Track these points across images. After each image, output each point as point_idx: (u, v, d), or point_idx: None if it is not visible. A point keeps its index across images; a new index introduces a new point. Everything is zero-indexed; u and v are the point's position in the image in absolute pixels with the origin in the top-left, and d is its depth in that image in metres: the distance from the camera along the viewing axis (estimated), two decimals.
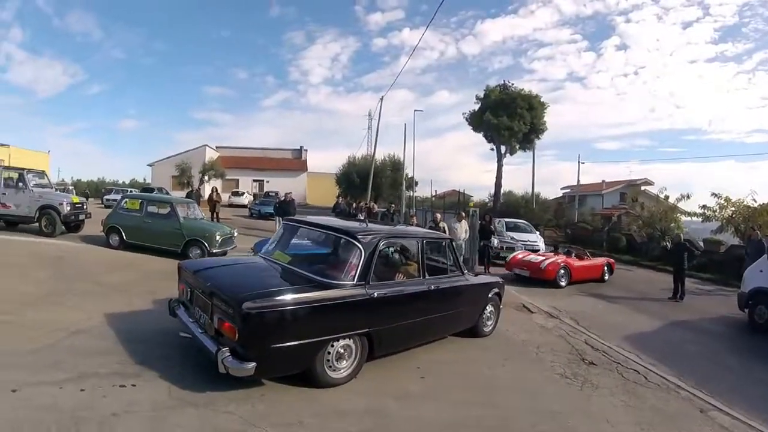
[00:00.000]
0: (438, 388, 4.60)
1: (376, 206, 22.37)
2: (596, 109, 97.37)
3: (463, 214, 13.67)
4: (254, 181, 47.18)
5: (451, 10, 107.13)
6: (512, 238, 16.23)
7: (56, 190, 14.95)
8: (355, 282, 4.46)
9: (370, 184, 28.54)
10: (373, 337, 4.52)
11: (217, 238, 10.62)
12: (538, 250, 14.79)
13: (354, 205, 22.73)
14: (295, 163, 52.61)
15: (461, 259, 6.95)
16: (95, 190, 35.84)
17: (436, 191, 38.03)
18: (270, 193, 35.20)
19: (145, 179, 46.70)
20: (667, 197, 22.07)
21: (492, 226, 14.19)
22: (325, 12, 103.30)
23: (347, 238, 4.86)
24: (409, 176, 34.31)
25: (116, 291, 7.11)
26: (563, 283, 11.82)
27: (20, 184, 12.11)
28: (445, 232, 11.00)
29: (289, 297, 3.98)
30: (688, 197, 20.82)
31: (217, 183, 34.12)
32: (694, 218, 20.00)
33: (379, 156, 36.21)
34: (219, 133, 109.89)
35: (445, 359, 5.42)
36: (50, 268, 8.15)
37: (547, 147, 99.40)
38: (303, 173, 50.46)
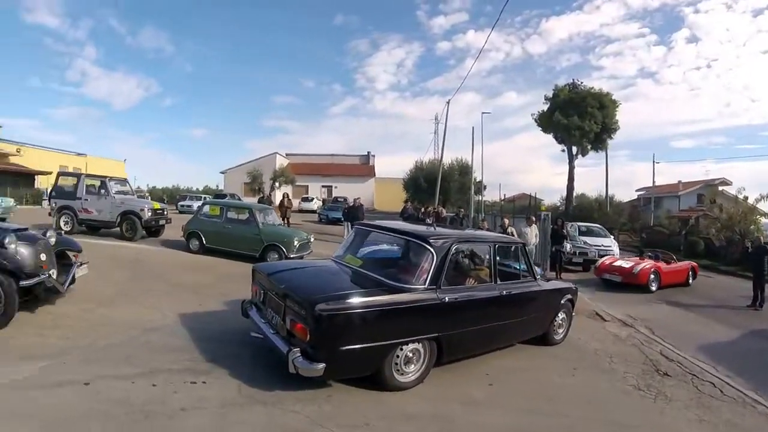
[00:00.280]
0: (505, 395, 4.55)
1: (444, 211, 22.06)
2: (670, 106, 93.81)
3: (533, 218, 13.45)
4: (323, 186, 48.46)
5: (515, 9, 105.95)
6: (585, 243, 15.84)
7: (137, 196, 15.94)
8: (426, 286, 4.46)
9: (438, 188, 28.25)
10: (443, 342, 4.51)
11: (295, 243, 10.95)
12: (613, 256, 14.65)
13: (422, 209, 22.56)
14: (363, 168, 53.44)
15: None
16: (170, 196, 38.14)
17: (504, 195, 37.22)
18: (338, 199, 35.98)
19: (217, 186, 49.36)
20: (745, 198, 21.03)
21: (564, 231, 13.86)
22: (387, 19, 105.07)
23: (419, 242, 4.90)
24: (478, 180, 33.74)
25: (190, 292, 7.46)
26: (654, 288, 11.87)
27: (102, 190, 13.09)
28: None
29: (360, 300, 4.05)
30: None
31: (288, 189, 35.26)
32: None
33: (447, 160, 35.99)
34: (288, 141, 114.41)
35: (513, 366, 5.38)
36: (128, 270, 8.71)
37: (620, 147, 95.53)
38: (371, 178, 51.13)
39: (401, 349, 4.22)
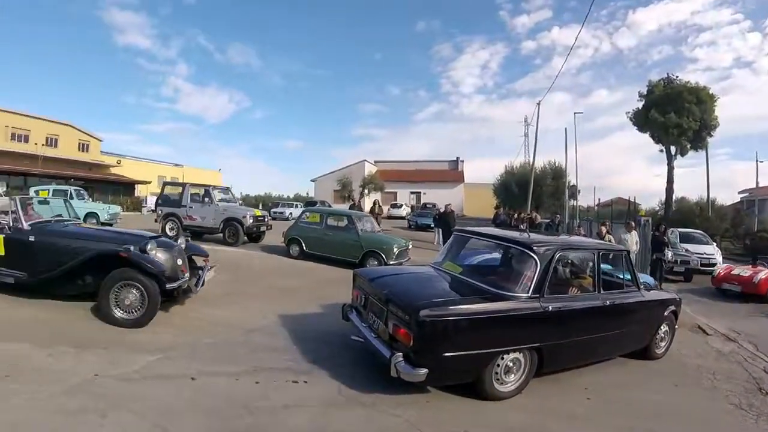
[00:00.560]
0: (604, 411, 4.43)
1: (539, 216, 21.27)
2: None
3: (632, 224, 12.66)
4: (411, 193, 48.75)
5: (601, 2, 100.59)
6: (687, 251, 15.07)
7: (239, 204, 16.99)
8: (529, 294, 4.42)
9: (530, 193, 27.24)
10: (544, 352, 4.44)
11: (395, 250, 11.19)
12: (715, 265, 14.00)
13: (515, 215, 21.92)
14: (451, 174, 53.05)
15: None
16: (263, 203, 40.18)
17: (599, 199, 35.12)
18: (427, 205, 35.99)
19: (307, 193, 51.33)
20: None
21: (666, 238, 13.05)
22: (469, 21, 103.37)
23: (522, 248, 4.86)
24: (572, 184, 32.22)
25: (289, 295, 7.85)
26: None
27: (206, 199, 14.14)
28: None
29: (464, 307, 4.12)
30: None
31: (377, 196, 35.89)
32: None
33: (539, 163, 34.62)
34: (375, 148, 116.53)
35: (612, 381, 5.24)
36: (230, 273, 9.25)
37: (719, 145, 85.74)
38: (460, 184, 50.58)
39: (502, 358, 4.20)
